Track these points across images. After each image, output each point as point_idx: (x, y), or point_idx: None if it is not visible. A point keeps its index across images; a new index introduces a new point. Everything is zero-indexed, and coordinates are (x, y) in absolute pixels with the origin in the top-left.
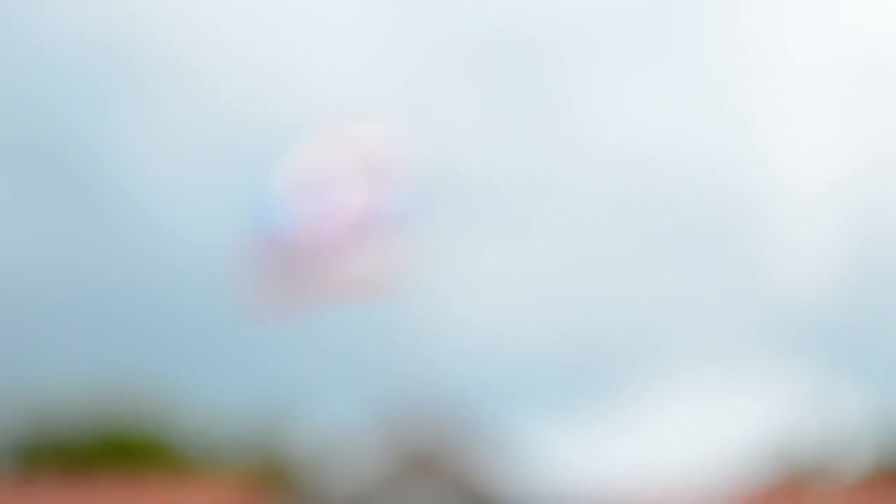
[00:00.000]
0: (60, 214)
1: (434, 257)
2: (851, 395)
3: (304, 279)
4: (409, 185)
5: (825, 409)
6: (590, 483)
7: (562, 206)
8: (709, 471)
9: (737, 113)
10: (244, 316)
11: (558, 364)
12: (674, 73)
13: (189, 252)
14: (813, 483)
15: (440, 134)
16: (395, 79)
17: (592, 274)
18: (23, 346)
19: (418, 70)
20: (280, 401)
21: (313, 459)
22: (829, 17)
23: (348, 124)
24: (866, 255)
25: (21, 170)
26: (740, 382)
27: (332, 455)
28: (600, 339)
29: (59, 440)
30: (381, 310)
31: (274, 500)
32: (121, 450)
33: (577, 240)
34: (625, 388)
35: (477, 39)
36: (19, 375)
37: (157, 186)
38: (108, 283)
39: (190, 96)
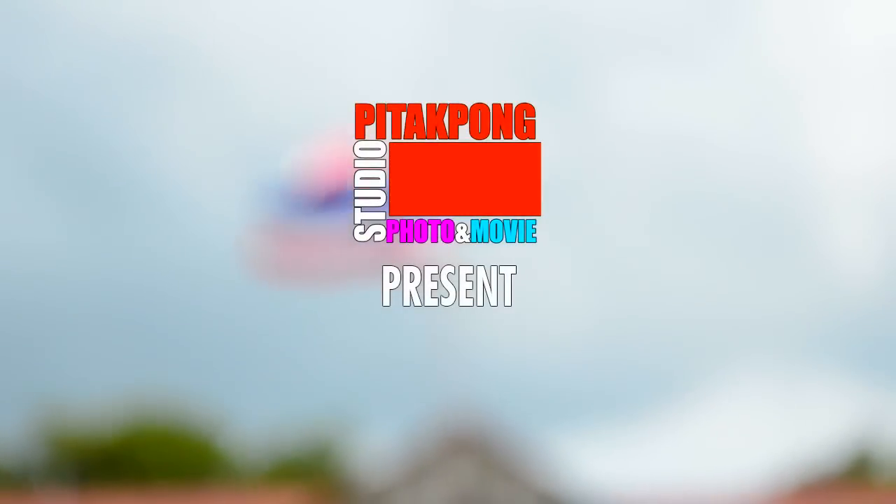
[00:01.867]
0: (106, 229)
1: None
2: None
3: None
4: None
5: (879, 407)
6: (637, 489)
7: (607, 205)
8: (761, 474)
9: (782, 101)
10: (261, 288)
11: (608, 370)
12: (720, 63)
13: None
14: (869, 480)
15: None
16: (428, 77)
17: (642, 274)
18: (75, 361)
19: (450, 69)
20: (330, 410)
21: (361, 463)
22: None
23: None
24: None
25: (58, 183)
26: (795, 383)
27: (378, 458)
28: (649, 342)
29: (111, 453)
30: (423, 316)
31: None
32: (174, 464)
33: (625, 239)
34: (676, 392)
35: (515, 34)
36: (71, 389)
37: (199, 199)
38: (162, 299)
39: (222, 103)
